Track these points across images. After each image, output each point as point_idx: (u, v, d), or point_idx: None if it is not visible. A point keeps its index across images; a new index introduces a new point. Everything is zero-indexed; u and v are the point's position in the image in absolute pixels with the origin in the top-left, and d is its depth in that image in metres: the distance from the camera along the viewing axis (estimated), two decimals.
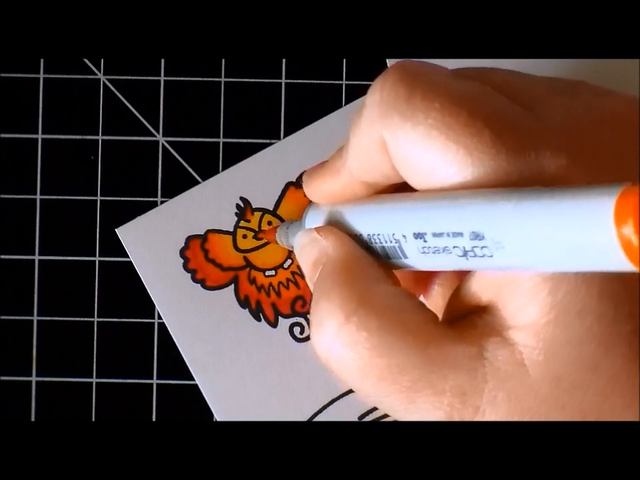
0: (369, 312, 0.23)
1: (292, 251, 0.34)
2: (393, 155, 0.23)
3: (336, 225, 0.26)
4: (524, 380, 0.21)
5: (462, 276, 0.23)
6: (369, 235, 0.24)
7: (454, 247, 0.21)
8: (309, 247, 0.26)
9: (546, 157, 0.21)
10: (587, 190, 0.18)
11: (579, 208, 0.18)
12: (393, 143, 0.23)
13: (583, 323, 0.20)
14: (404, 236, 0.23)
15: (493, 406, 0.21)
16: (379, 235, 0.24)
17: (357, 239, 0.25)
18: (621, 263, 0.17)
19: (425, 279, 0.28)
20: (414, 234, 0.22)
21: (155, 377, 0.36)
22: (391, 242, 0.23)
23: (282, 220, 0.37)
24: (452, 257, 0.21)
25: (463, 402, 0.21)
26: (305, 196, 0.28)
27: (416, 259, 0.23)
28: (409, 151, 0.22)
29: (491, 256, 0.20)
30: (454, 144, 0.21)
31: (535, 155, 0.21)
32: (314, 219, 0.28)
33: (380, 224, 0.24)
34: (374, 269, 0.24)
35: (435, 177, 0.22)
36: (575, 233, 0.18)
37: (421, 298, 0.28)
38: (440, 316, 0.24)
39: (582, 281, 0.20)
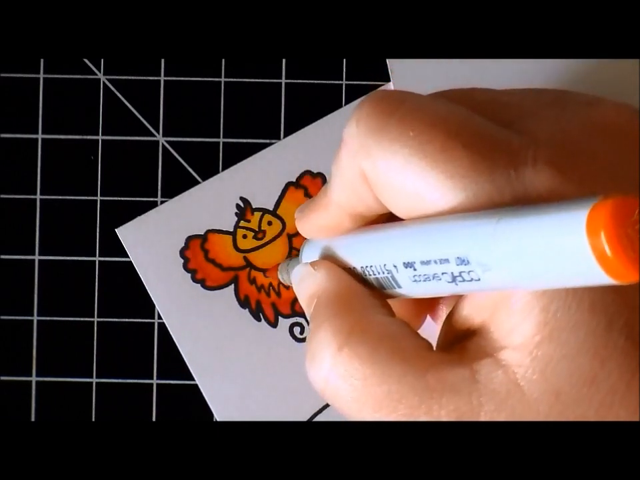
0: (361, 341, 0.22)
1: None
2: (374, 186, 0.23)
3: (331, 258, 0.26)
4: (521, 399, 0.21)
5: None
6: (362, 267, 0.24)
7: (442, 274, 0.21)
8: (305, 281, 0.26)
9: (528, 174, 0.20)
10: (563, 204, 0.18)
11: (555, 223, 0.18)
12: (373, 174, 0.22)
13: (577, 338, 0.20)
14: (395, 266, 0.23)
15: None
16: (371, 266, 0.24)
17: (352, 271, 0.25)
18: (599, 276, 0.17)
19: (430, 301, 0.27)
20: (404, 263, 0.22)
21: (154, 377, 0.36)
22: (384, 273, 0.23)
23: (282, 220, 0.37)
24: (442, 284, 0.21)
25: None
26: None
27: (409, 287, 0.23)
28: (390, 181, 0.22)
29: (479, 279, 0.20)
30: (434, 170, 0.21)
31: (516, 173, 0.20)
32: (310, 253, 0.27)
33: (370, 256, 0.24)
34: (366, 299, 0.24)
35: (419, 205, 0.22)
36: (553, 247, 0.18)
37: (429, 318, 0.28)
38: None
39: (573, 296, 0.20)
